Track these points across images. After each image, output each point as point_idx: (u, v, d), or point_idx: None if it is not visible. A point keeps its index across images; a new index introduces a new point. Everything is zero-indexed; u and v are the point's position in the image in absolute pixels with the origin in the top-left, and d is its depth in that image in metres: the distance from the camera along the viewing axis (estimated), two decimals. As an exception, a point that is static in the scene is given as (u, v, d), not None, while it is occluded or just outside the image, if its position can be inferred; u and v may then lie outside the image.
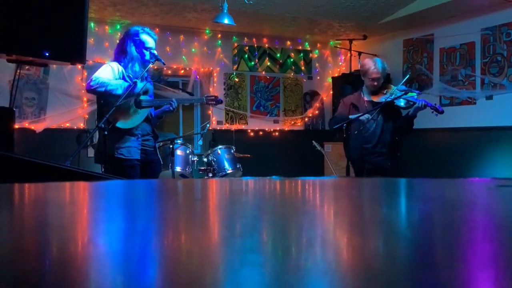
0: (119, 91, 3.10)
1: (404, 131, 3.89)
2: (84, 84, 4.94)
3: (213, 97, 3.64)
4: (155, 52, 3.34)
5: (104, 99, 3.20)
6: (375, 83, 3.83)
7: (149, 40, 3.30)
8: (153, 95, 3.51)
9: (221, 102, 3.75)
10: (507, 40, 5.38)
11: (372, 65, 3.82)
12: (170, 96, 5.21)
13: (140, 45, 3.27)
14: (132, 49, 3.26)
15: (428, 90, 5.94)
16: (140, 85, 3.19)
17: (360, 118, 3.70)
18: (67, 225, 0.63)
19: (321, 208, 0.83)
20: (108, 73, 3.19)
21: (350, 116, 3.77)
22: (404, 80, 3.91)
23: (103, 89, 3.11)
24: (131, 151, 3.22)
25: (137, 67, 3.27)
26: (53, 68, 5.70)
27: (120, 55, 3.30)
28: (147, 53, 3.28)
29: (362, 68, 3.94)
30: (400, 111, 3.89)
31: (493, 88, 5.52)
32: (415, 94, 3.77)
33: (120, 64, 3.26)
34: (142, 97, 3.28)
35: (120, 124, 3.18)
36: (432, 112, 3.62)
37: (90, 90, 3.19)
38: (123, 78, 3.22)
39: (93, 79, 3.14)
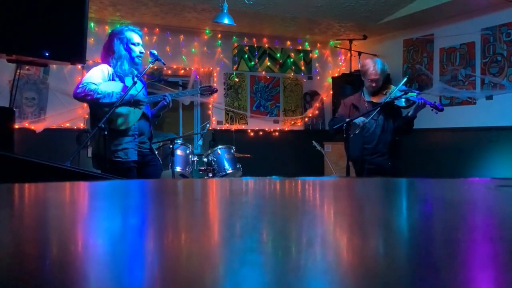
0: (106, 100, 3.06)
1: (404, 132, 3.90)
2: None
3: (207, 87, 3.63)
4: (155, 52, 3.33)
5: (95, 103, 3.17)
6: (374, 84, 3.84)
7: (134, 36, 3.27)
8: (147, 93, 3.49)
9: (216, 91, 3.75)
10: (507, 40, 5.38)
11: (371, 66, 3.83)
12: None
13: (127, 42, 3.24)
14: (120, 48, 3.22)
15: (428, 90, 5.94)
16: (133, 91, 3.15)
17: (355, 120, 3.69)
18: (67, 225, 0.63)
19: (321, 208, 0.83)
20: (97, 77, 3.12)
21: (347, 120, 3.77)
22: (403, 82, 3.90)
23: (89, 97, 3.07)
24: (128, 152, 3.20)
25: (126, 65, 3.24)
26: (53, 68, 5.70)
27: (108, 56, 3.25)
28: (134, 49, 3.25)
29: (362, 69, 3.96)
30: (401, 111, 3.90)
31: (493, 88, 5.52)
32: (415, 94, 3.78)
33: (109, 65, 3.22)
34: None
35: (115, 125, 3.16)
36: (432, 110, 3.63)
37: (77, 97, 3.12)
38: (113, 79, 3.19)
39: (80, 86, 3.08)
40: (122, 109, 3.15)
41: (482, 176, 5.63)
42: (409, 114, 3.77)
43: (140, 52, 3.28)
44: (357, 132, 3.70)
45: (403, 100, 3.71)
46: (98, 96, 3.06)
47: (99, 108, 3.11)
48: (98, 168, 3.19)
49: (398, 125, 3.84)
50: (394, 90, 3.77)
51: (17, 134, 3.50)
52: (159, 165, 3.53)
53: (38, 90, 5.73)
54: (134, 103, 3.19)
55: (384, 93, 3.84)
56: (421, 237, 0.55)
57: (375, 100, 3.86)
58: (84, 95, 3.06)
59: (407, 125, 3.83)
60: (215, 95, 6.53)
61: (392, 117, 3.83)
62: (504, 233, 0.56)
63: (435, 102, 3.73)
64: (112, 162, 3.12)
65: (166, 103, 3.37)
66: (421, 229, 0.61)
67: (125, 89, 3.12)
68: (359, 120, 3.70)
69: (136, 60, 3.27)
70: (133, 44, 3.25)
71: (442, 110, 3.64)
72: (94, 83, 3.08)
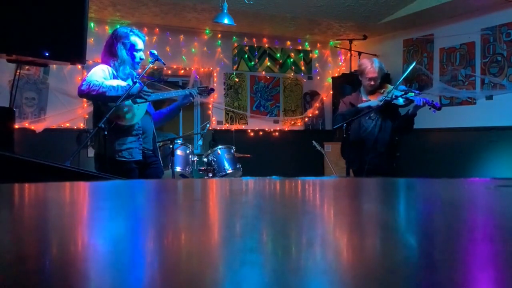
0: (112, 93, 3.04)
1: (405, 130, 3.90)
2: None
3: (204, 87, 3.65)
4: (155, 52, 3.32)
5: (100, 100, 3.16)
6: (372, 83, 3.84)
7: (138, 42, 3.26)
8: None
9: (213, 91, 3.77)
10: (507, 40, 5.38)
11: (369, 65, 3.84)
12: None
13: (131, 48, 3.22)
14: (123, 52, 3.20)
15: (428, 90, 5.95)
16: (137, 86, 3.17)
17: (371, 105, 3.71)
18: (67, 225, 0.63)
19: (321, 208, 0.83)
20: (100, 75, 3.11)
21: (360, 105, 3.77)
22: (407, 71, 3.86)
23: (95, 92, 3.04)
24: (132, 152, 3.19)
25: (127, 70, 3.24)
26: (53, 68, 5.70)
27: (109, 58, 3.22)
28: (137, 55, 3.25)
29: (360, 68, 3.97)
30: (399, 111, 3.90)
31: (493, 88, 5.52)
32: (413, 94, 3.78)
33: (110, 66, 3.20)
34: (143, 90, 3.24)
35: (122, 121, 3.15)
36: (430, 108, 3.63)
37: (82, 94, 3.10)
38: (114, 79, 3.18)
39: (84, 83, 3.06)
40: (128, 105, 3.15)
41: (482, 176, 5.63)
42: (409, 112, 3.77)
43: (141, 58, 3.28)
44: (371, 115, 3.73)
45: (401, 99, 3.71)
46: (104, 90, 3.04)
47: (104, 104, 3.10)
48: (101, 169, 3.17)
49: (398, 124, 3.84)
50: (392, 89, 3.76)
51: (17, 134, 3.50)
52: (160, 168, 3.51)
53: (38, 90, 5.73)
54: (138, 94, 3.16)
55: (382, 92, 3.84)
56: (420, 237, 0.55)
57: (372, 99, 3.85)
58: (89, 91, 3.05)
59: (407, 123, 3.83)
60: (215, 95, 6.54)
61: (390, 117, 3.83)
62: (504, 233, 0.56)
63: (432, 100, 3.73)
64: (116, 161, 3.11)
65: (187, 99, 3.43)
66: (420, 229, 0.61)
67: (127, 88, 3.12)
68: (374, 103, 3.72)
69: (136, 66, 3.28)
70: (136, 50, 3.24)
71: (439, 108, 3.65)
72: (97, 80, 3.08)
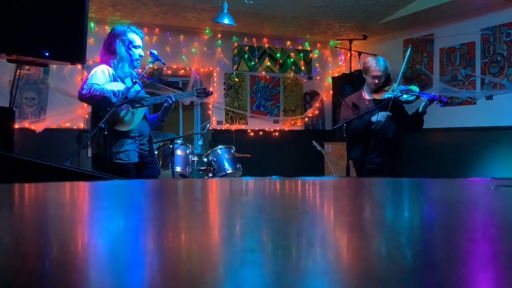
0: (113, 99, 3.03)
1: (415, 128, 3.90)
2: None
3: (202, 89, 3.66)
4: (155, 52, 3.32)
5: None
6: (376, 81, 3.81)
7: (136, 38, 3.25)
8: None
9: (211, 93, 3.76)
10: (507, 40, 5.38)
11: (374, 63, 3.82)
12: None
13: (129, 45, 3.21)
14: (122, 49, 3.19)
15: (428, 90, 5.94)
16: (137, 88, 3.16)
17: (379, 119, 3.66)
18: (67, 225, 0.63)
19: (321, 208, 0.83)
20: (100, 78, 3.10)
21: (372, 118, 3.72)
22: (407, 57, 3.84)
23: (96, 97, 3.03)
24: (129, 154, 3.19)
25: (126, 67, 3.23)
26: (53, 68, 5.70)
27: (108, 56, 3.21)
28: (136, 52, 3.24)
29: (364, 66, 3.93)
30: (405, 110, 3.89)
31: (493, 88, 5.52)
32: (417, 88, 3.79)
33: (110, 66, 3.19)
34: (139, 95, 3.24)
35: (119, 126, 3.15)
36: (437, 103, 3.62)
37: (83, 98, 3.09)
38: (114, 80, 3.17)
39: (85, 87, 3.05)
40: (125, 111, 3.15)
41: (482, 176, 5.63)
42: (419, 111, 3.75)
43: (140, 55, 3.27)
44: (378, 128, 3.69)
45: (406, 95, 3.69)
46: (106, 95, 3.04)
47: (102, 108, 3.10)
48: (98, 170, 3.17)
49: (408, 123, 3.84)
50: (396, 87, 3.74)
51: (17, 134, 3.49)
52: (157, 167, 3.52)
53: (38, 90, 5.73)
54: (139, 101, 3.17)
55: (386, 89, 3.81)
56: (421, 237, 0.55)
57: (376, 97, 3.83)
58: (90, 96, 3.04)
59: (417, 121, 3.81)
60: (215, 95, 6.54)
61: (394, 117, 3.80)
62: (504, 233, 0.56)
63: (439, 95, 3.72)
64: (113, 164, 3.12)
65: (168, 104, 3.35)
66: (421, 229, 0.61)
67: (127, 89, 3.12)
68: (383, 116, 3.67)
69: (135, 63, 3.28)
70: (134, 47, 3.24)
71: (446, 103, 3.66)
72: (98, 84, 3.07)
